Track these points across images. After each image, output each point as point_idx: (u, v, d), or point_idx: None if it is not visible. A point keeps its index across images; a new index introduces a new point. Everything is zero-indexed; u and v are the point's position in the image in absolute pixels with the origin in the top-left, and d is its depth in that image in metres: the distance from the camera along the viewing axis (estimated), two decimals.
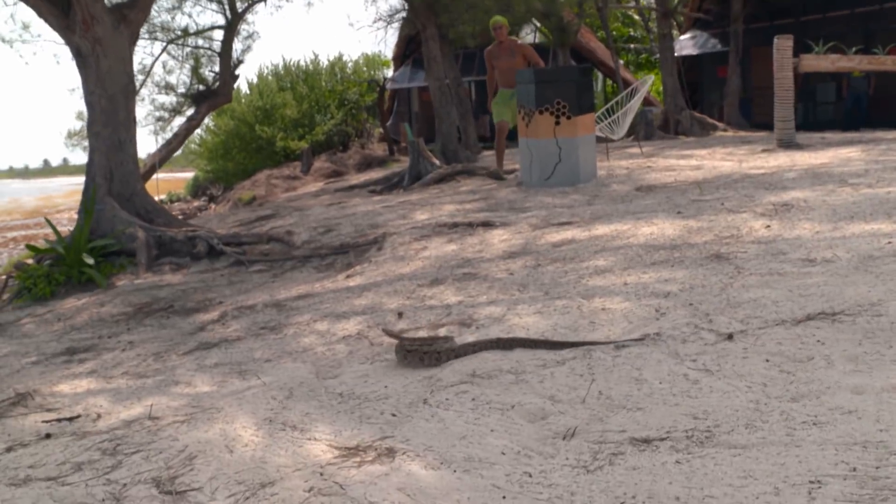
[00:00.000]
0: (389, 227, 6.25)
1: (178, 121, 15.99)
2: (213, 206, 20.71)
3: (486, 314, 3.49)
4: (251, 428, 2.53)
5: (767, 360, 2.50)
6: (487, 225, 5.60)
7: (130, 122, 8.37)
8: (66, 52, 8.19)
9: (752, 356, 2.55)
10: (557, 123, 7.21)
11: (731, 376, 2.41)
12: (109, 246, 7.25)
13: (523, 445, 2.12)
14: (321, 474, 2.09)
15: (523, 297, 3.67)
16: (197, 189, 25.35)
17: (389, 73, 25.09)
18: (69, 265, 7.03)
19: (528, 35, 22.86)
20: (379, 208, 7.69)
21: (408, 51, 23.77)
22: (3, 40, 11.31)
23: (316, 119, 21.36)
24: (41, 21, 8.43)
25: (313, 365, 3.28)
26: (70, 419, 3.07)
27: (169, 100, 15.41)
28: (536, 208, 6.18)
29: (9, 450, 2.78)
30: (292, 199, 14.50)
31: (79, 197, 8.43)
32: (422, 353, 2.95)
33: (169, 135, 14.72)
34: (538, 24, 20.28)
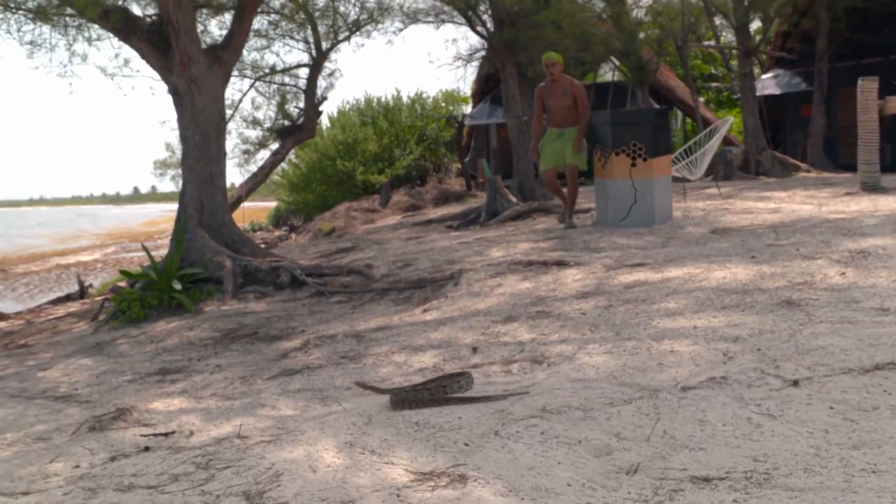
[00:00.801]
0: (465, 264, 6.42)
1: (262, 154, 16.66)
2: (293, 235, 21.31)
3: (557, 352, 3.62)
4: (333, 450, 2.71)
5: (831, 408, 2.56)
6: (561, 264, 5.73)
7: (221, 157, 8.81)
8: (161, 86, 8.70)
9: (816, 403, 2.61)
10: (633, 165, 7.31)
11: (794, 422, 2.48)
12: (198, 273, 7.63)
13: (588, 478, 2.25)
14: (398, 496, 2.25)
15: (594, 337, 3.79)
16: (278, 219, 26.14)
17: (467, 109, 25.51)
18: (161, 290, 7.43)
19: (607, 74, 22.97)
20: (455, 244, 7.89)
21: (486, 88, 24.15)
22: (106, 74, 11.97)
23: (395, 153, 21.86)
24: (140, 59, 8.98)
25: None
26: (166, 434, 3.31)
27: (255, 134, 16.05)
28: (610, 249, 6.28)
29: (112, 459, 3.03)
30: (371, 231, 14.85)
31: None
32: (409, 402, 3.18)
33: (253, 167, 15.33)
34: (616, 63, 20.40)
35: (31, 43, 9.29)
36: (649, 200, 7.30)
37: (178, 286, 7.28)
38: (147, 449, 3.10)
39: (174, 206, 8.80)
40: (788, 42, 19.96)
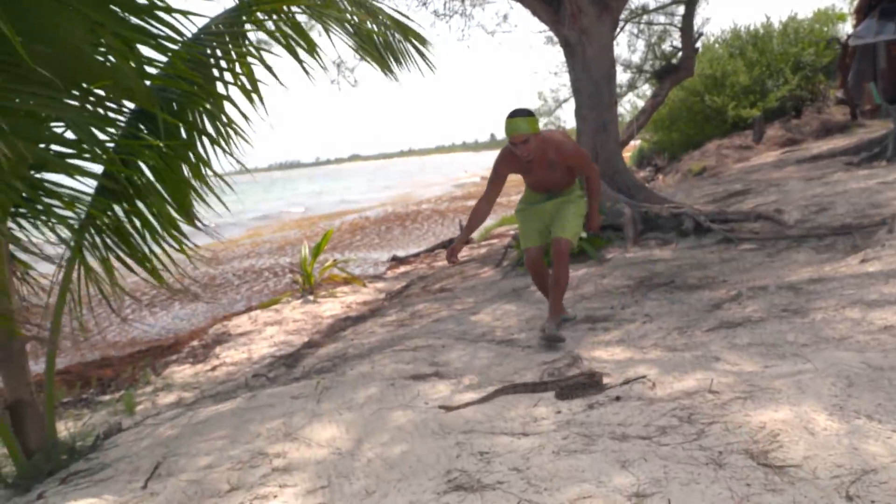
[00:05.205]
0: (894, 207, 5.90)
1: (628, 96, 16.67)
2: (660, 176, 21.05)
3: None
4: (822, 413, 2.66)
5: None
6: None
7: (612, 105, 8.97)
8: (537, 40, 9.16)
9: None
10: None
11: None
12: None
13: None
14: None
15: None
16: (642, 159, 25.97)
17: (844, 27, 22.95)
18: None
19: None
20: (873, 184, 7.25)
21: (873, 1, 21.49)
22: (486, 31, 12.83)
23: (767, 84, 20.46)
24: (515, 14, 9.49)
25: (859, 353, 3.30)
26: (629, 384, 3.47)
27: (625, 77, 16.09)
28: None
29: (590, 407, 3.21)
30: (748, 170, 14.18)
31: None
32: None
33: (620, 110, 15.36)
34: None
35: (434, 13, 10.26)
36: None
37: (583, 234, 7.62)
38: (618, 398, 3.20)
39: None
40: None
